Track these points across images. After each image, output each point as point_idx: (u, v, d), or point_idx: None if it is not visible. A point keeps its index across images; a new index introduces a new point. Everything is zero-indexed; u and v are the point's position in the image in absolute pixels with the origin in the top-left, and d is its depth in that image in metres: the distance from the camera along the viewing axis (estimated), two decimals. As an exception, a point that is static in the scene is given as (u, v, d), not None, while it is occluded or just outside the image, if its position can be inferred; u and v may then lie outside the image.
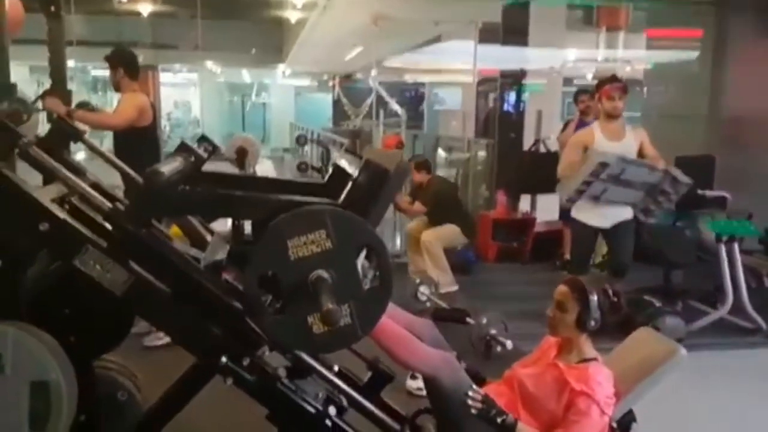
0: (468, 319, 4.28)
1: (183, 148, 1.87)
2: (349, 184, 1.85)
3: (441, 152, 9.37)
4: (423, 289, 4.93)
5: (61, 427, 1.79)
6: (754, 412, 3.67)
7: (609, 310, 2.38)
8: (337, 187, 2.06)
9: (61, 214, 1.89)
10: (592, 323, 2.33)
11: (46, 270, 2.12)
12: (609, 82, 4.48)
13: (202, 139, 2.32)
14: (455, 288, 5.57)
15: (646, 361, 2.47)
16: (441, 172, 9.13)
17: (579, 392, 2.24)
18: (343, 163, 2.21)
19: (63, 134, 2.41)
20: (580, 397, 2.23)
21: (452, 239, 5.62)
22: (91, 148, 2.53)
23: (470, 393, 2.20)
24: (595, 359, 2.37)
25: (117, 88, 4.60)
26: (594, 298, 2.33)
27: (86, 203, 2.01)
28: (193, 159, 1.89)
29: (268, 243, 1.70)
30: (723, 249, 4.63)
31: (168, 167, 1.66)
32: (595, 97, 4.56)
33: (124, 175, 2.60)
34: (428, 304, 4.86)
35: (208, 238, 2.34)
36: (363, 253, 1.78)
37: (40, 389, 1.76)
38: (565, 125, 6.60)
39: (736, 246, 4.66)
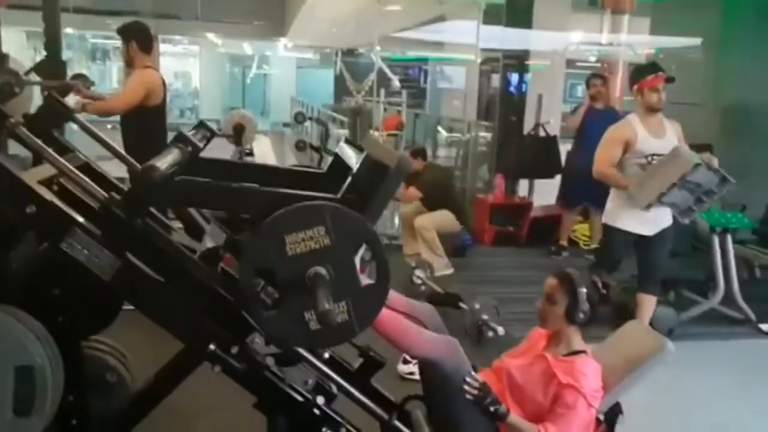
0: (461, 304, 4.29)
1: (180, 139, 1.84)
2: (349, 179, 1.82)
3: (443, 132, 9.34)
4: (418, 272, 4.93)
5: (46, 412, 1.79)
6: (740, 402, 3.70)
7: (599, 303, 2.37)
8: (338, 177, 2.05)
9: (49, 197, 1.87)
10: (581, 316, 2.33)
11: (34, 250, 2.11)
12: (651, 72, 4.06)
13: (200, 125, 2.29)
14: (450, 271, 5.58)
15: (634, 354, 2.47)
16: (442, 152, 9.13)
17: (566, 385, 2.24)
18: (344, 154, 2.20)
19: (54, 113, 2.37)
20: (566, 389, 2.24)
21: (446, 225, 5.62)
22: (83, 128, 2.50)
23: (468, 379, 2.20)
24: (583, 352, 2.37)
25: (129, 63, 4.45)
26: (583, 290, 2.32)
27: (75, 184, 1.98)
28: (190, 149, 1.86)
29: (265, 238, 1.68)
30: (716, 240, 4.64)
31: (164, 161, 1.63)
32: (634, 90, 4.08)
33: (121, 158, 2.58)
34: (423, 287, 4.86)
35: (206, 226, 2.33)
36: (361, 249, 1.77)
37: (24, 374, 1.75)
38: (574, 110, 6.55)
39: (729, 237, 4.67)
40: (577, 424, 2.22)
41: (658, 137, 4.03)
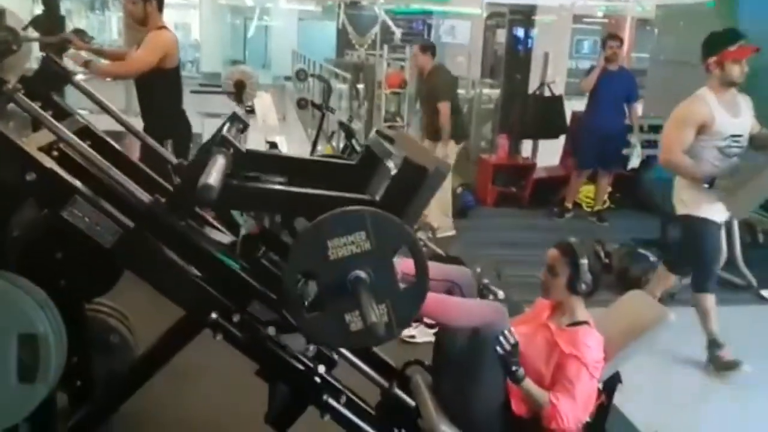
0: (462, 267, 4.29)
1: (223, 142, 1.80)
2: (387, 182, 1.83)
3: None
4: (420, 234, 4.93)
5: (50, 378, 1.79)
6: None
7: (601, 272, 2.37)
8: (369, 170, 2.10)
9: (48, 164, 1.85)
10: (583, 287, 2.32)
11: (36, 215, 2.10)
12: (733, 41, 3.53)
13: (234, 117, 2.26)
14: (453, 233, 5.58)
15: (634, 324, 2.47)
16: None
17: (568, 355, 2.25)
18: (376, 146, 2.18)
19: (52, 75, 2.33)
20: (569, 359, 2.24)
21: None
22: (82, 91, 2.46)
23: (507, 333, 2.19)
24: (586, 323, 2.38)
25: (142, 22, 4.25)
26: (584, 261, 2.31)
27: (74, 150, 1.96)
28: (232, 151, 1.83)
29: (308, 242, 1.71)
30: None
31: (216, 174, 1.61)
32: (709, 62, 3.58)
33: (122, 123, 2.55)
34: (425, 249, 4.85)
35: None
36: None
37: (27, 341, 1.75)
38: (588, 71, 6.46)
39: (734, 203, 4.61)
40: (582, 396, 2.23)
41: (735, 116, 3.56)
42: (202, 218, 2.32)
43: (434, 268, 2.49)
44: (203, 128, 7.28)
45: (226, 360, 2.04)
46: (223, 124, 2.22)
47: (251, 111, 5.70)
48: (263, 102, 5.85)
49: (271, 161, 2.45)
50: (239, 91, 5.60)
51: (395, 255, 1.75)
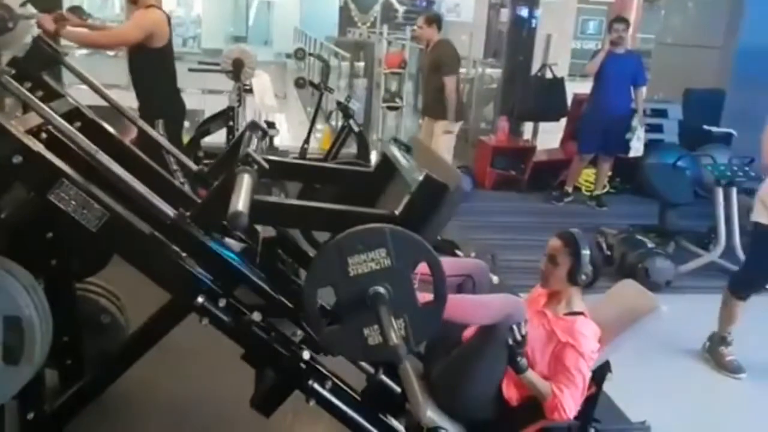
0: (457, 252, 4.29)
1: (247, 161, 1.77)
2: (407, 198, 1.82)
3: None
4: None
5: (34, 361, 1.80)
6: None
7: (602, 265, 2.36)
8: (385, 178, 2.13)
9: (36, 147, 1.83)
10: (583, 277, 2.32)
11: (27, 195, 2.09)
12: None
13: (253, 125, 2.26)
14: (449, 215, 5.56)
15: (625, 314, 2.47)
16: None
17: (565, 344, 2.26)
18: (392, 155, 2.19)
19: (42, 56, 2.31)
20: (567, 349, 2.25)
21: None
22: (72, 71, 2.44)
23: (522, 324, 2.18)
24: (582, 313, 2.38)
25: (133, 0, 4.22)
26: (586, 252, 2.31)
27: (61, 134, 1.94)
28: (256, 168, 1.83)
29: (329, 259, 1.73)
30: (720, 192, 4.57)
31: (244, 199, 1.60)
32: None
33: (114, 105, 2.53)
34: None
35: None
36: None
37: (12, 324, 1.75)
38: (594, 54, 6.39)
39: (734, 191, 4.60)
40: (579, 385, 2.24)
41: None
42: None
43: (448, 264, 2.50)
44: (204, 105, 7.27)
45: (217, 342, 2.05)
46: (242, 133, 2.23)
47: (249, 90, 5.67)
48: (261, 81, 5.81)
49: (288, 168, 2.52)
50: (237, 69, 5.57)
51: (414, 270, 1.77)
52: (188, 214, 1.89)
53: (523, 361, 2.21)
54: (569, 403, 2.21)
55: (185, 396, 2.96)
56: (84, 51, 10.68)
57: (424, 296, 1.83)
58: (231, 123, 5.33)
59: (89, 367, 2.43)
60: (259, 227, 2.22)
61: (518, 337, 2.17)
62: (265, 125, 2.22)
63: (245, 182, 1.67)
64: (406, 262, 1.73)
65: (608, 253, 2.39)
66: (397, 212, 1.80)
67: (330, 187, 2.28)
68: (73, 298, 2.66)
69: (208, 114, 5.86)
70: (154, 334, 2.11)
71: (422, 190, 1.79)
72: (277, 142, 6.15)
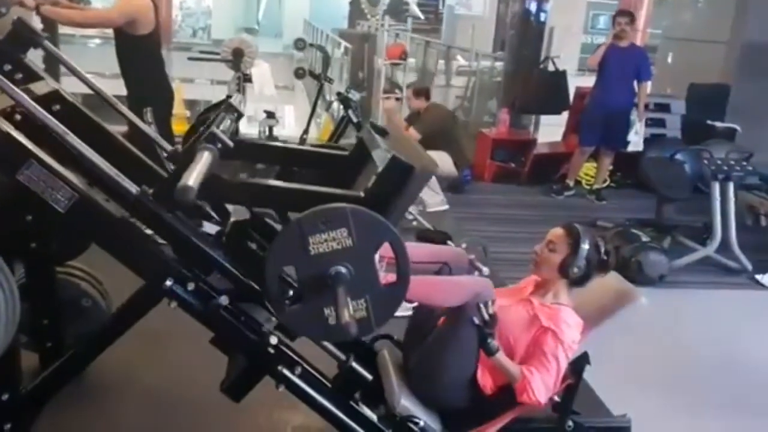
0: (448, 242, 4.26)
1: (211, 139, 1.79)
2: (373, 179, 1.82)
3: (461, 61, 9.11)
4: (410, 207, 4.90)
5: (0, 339, 1.80)
6: (726, 349, 3.69)
7: (596, 265, 2.34)
8: (361, 162, 2.11)
9: (5, 127, 1.83)
10: (575, 270, 2.31)
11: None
12: None
13: (228, 106, 2.24)
14: (445, 207, 5.54)
15: (605, 305, 2.45)
16: (455, 82, 8.96)
17: (547, 329, 2.24)
18: (368, 138, 2.17)
19: (22, 38, 2.31)
20: (547, 334, 2.24)
21: (442, 166, 5.55)
22: (53, 54, 2.44)
23: (489, 303, 2.19)
24: (567, 306, 2.36)
25: None
26: (585, 247, 2.30)
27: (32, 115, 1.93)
28: (220, 146, 1.82)
29: (289, 238, 1.72)
30: (717, 187, 4.53)
31: (197, 174, 1.61)
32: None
33: (90, 87, 2.52)
34: (414, 223, 4.85)
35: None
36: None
37: (-24, 302, 1.75)
38: (597, 48, 6.34)
39: (731, 186, 4.56)
40: (554, 371, 2.23)
41: None
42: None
43: (423, 249, 2.51)
44: (213, 95, 7.27)
45: (197, 326, 2.05)
46: (217, 115, 2.22)
47: (248, 79, 5.68)
48: (261, 71, 5.82)
49: (264, 150, 2.52)
50: (237, 59, 5.58)
51: (377, 251, 1.75)
52: (151, 191, 1.88)
53: (494, 343, 2.20)
54: (538, 386, 2.19)
55: (164, 379, 2.98)
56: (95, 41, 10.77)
57: (390, 278, 1.82)
58: (230, 113, 5.32)
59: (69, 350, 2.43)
60: (233, 210, 2.22)
61: (485, 317, 2.16)
62: (237, 104, 2.19)
63: (203, 159, 1.67)
64: (369, 242, 1.72)
65: (605, 257, 2.37)
66: (362, 193, 1.79)
67: (307, 170, 2.25)
68: (53, 281, 2.68)
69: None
70: (131, 316, 2.10)
71: (388, 171, 1.78)
72: (282, 132, 6.17)
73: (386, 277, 1.83)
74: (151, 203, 1.88)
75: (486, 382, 2.30)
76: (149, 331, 2.29)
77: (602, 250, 2.36)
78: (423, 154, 2.04)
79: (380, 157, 1.90)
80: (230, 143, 1.77)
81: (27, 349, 2.58)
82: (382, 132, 2.16)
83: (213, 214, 2.22)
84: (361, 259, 1.72)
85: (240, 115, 2.21)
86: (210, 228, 2.22)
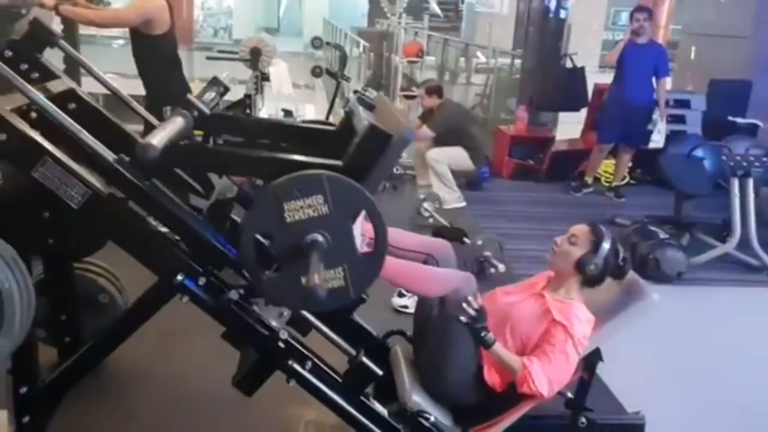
0: (465, 239, 4.27)
1: (185, 105, 1.81)
2: (351, 147, 1.82)
3: (481, 58, 9.07)
4: (426, 205, 4.92)
5: (14, 334, 1.82)
6: (743, 347, 3.64)
7: (612, 268, 2.34)
8: (348, 136, 2.05)
9: (20, 125, 1.87)
10: (592, 268, 2.29)
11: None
12: None
13: (214, 81, 2.27)
14: (462, 204, 5.54)
15: (618, 302, 2.44)
16: (475, 79, 8.93)
17: (558, 322, 2.23)
18: (354, 112, 2.17)
19: (38, 38, 2.35)
20: (557, 327, 2.23)
21: (459, 162, 5.56)
22: (69, 53, 2.48)
23: (470, 299, 2.19)
24: (579, 301, 2.36)
25: None
26: (606, 247, 2.30)
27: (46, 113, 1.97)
28: (196, 114, 1.84)
29: (264, 205, 1.72)
30: (736, 183, 4.48)
31: (163, 134, 1.63)
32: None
33: (106, 86, 2.56)
34: (431, 220, 4.85)
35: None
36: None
37: (-8, 296, 1.78)
38: (616, 44, 6.29)
39: (750, 182, 4.50)
40: (561, 365, 2.21)
41: None
42: (179, 179, 2.34)
43: (411, 239, 2.50)
44: (233, 95, 7.30)
45: (214, 321, 2.07)
46: (205, 89, 2.24)
47: (266, 78, 5.71)
48: (279, 70, 5.84)
49: (252, 125, 2.49)
50: (255, 58, 5.61)
51: (355, 219, 1.74)
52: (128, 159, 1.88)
53: (489, 336, 2.20)
54: (538, 376, 2.17)
55: (181, 374, 3.01)
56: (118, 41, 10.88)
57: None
58: (248, 111, 5.37)
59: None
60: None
61: (472, 312, 2.17)
62: (225, 80, 2.21)
63: (172, 123, 1.67)
64: (345, 210, 1.70)
65: (621, 263, 2.36)
66: (341, 162, 1.77)
67: (296, 146, 2.24)
68: (71, 277, 2.73)
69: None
70: (146, 311, 2.13)
71: (366, 139, 1.78)
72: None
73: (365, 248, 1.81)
74: (128, 170, 1.86)
75: (494, 379, 2.29)
76: (167, 327, 2.32)
77: (621, 255, 2.35)
78: (404, 124, 2.03)
79: (360, 127, 1.89)
80: (206, 110, 1.77)
81: (45, 343, 2.65)
82: (370, 106, 2.15)
83: (198, 187, 2.23)
84: (338, 227, 1.71)
85: (226, 89, 2.22)
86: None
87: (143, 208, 1.95)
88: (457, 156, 5.51)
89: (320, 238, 1.68)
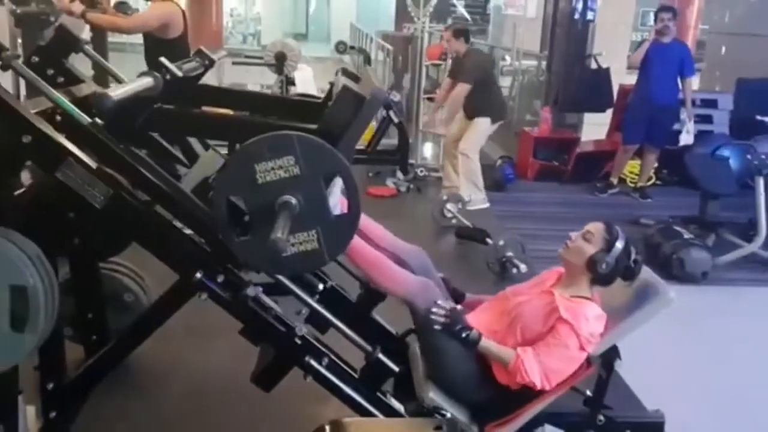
0: (487, 240, 4.28)
1: (156, 66, 1.86)
2: (325, 111, 1.83)
3: (508, 60, 9.06)
4: (450, 206, 4.93)
5: (39, 330, 1.87)
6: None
7: (623, 269, 2.33)
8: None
9: (44, 127, 1.93)
10: (603, 266, 2.29)
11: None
12: None
13: (198, 52, 2.31)
14: (486, 206, 5.54)
15: (633, 299, 2.43)
16: (501, 82, 8.90)
17: (564, 320, 2.22)
18: (339, 83, 2.19)
19: (64, 43, 2.43)
20: (563, 324, 2.22)
21: (487, 132, 5.52)
22: (92, 58, 2.55)
23: (434, 309, 2.20)
24: (589, 299, 2.35)
25: None
26: (619, 246, 2.29)
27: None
28: (168, 77, 1.88)
29: (236, 166, 1.72)
30: (761, 182, 4.41)
31: (125, 89, 1.66)
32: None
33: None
34: (454, 221, 4.86)
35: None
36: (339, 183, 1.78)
37: (18, 293, 1.84)
38: (640, 44, 6.24)
39: (775, 180, 4.44)
40: (560, 357, 2.20)
41: None
42: (160, 146, 2.37)
43: (387, 239, 2.49)
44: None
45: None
46: (188, 60, 2.26)
47: (291, 82, 5.78)
48: (304, 75, 5.92)
49: (237, 97, 2.48)
50: (280, 63, 5.69)
51: (328, 183, 1.74)
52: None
53: (473, 333, 2.21)
54: (530, 364, 2.16)
55: (206, 371, 3.07)
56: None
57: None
58: (274, 115, 5.44)
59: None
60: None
61: (442, 318, 2.18)
62: (210, 54, 2.24)
63: (138, 81, 1.69)
64: (317, 171, 1.70)
65: (632, 265, 2.34)
66: (315, 126, 1.77)
67: (279, 117, 2.24)
68: (97, 276, 2.80)
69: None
70: (168, 309, 2.17)
71: (340, 101, 1.79)
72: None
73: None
74: (100, 132, 1.88)
75: (502, 376, 2.29)
76: (194, 324, 2.34)
77: (633, 257, 2.33)
78: (374, 85, 2.02)
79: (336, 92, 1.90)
80: (178, 72, 1.78)
81: (72, 341, 2.72)
82: (355, 77, 2.16)
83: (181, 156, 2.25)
84: (310, 189, 1.70)
85: (212, 62, 2.24)
86: None
87: (114, 169, 1.94)
88: (483, 129, 5.43)
89: (293, 200, 1.68)
